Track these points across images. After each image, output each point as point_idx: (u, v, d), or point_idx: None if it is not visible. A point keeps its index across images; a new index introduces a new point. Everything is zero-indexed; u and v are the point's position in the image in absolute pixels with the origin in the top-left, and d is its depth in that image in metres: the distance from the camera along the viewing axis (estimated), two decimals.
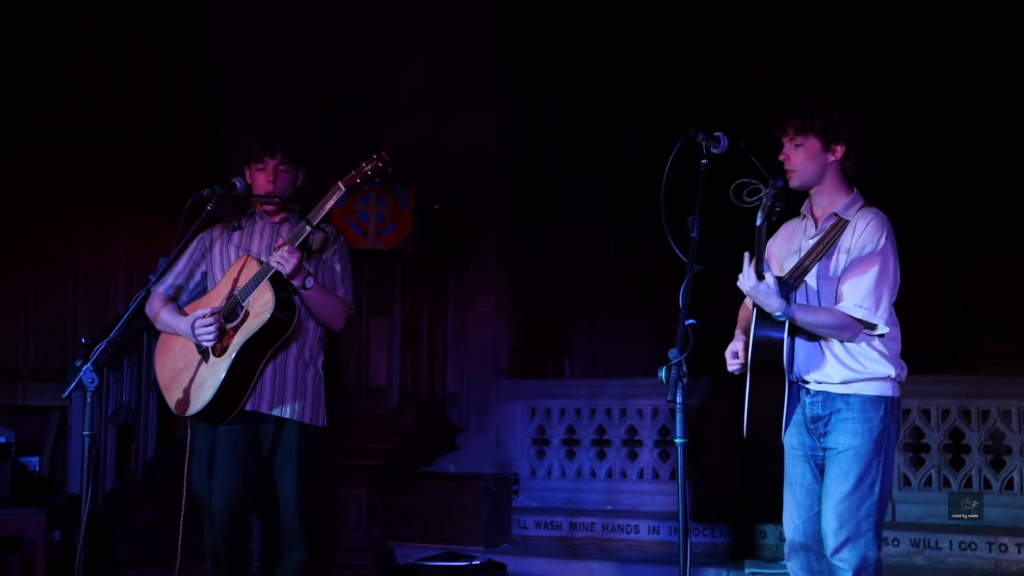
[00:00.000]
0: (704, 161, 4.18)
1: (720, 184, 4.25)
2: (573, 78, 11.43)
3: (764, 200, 4.20)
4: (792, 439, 4.62)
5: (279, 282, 4.89)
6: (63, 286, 11.13)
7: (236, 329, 4.91)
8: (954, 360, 11.90)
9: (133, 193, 10.85)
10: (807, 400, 4.54)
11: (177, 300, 5.21)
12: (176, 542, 5.12)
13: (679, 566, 3.87)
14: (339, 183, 4.92)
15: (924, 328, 11.79)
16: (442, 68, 9.55)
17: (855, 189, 4.61)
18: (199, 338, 4.92)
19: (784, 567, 4.73)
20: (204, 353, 4.97)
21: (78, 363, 4.43)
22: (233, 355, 4.88)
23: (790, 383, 4.40)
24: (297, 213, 5.27)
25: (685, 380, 3.83)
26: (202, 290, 5.26)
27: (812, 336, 4.48)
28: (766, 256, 4.42)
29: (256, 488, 5.16)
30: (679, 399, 3.82)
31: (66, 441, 8.73)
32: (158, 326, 5.21)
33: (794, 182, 4.52)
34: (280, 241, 4.95)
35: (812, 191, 4.62)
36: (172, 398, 5.02)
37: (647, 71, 11.33)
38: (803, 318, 4.32)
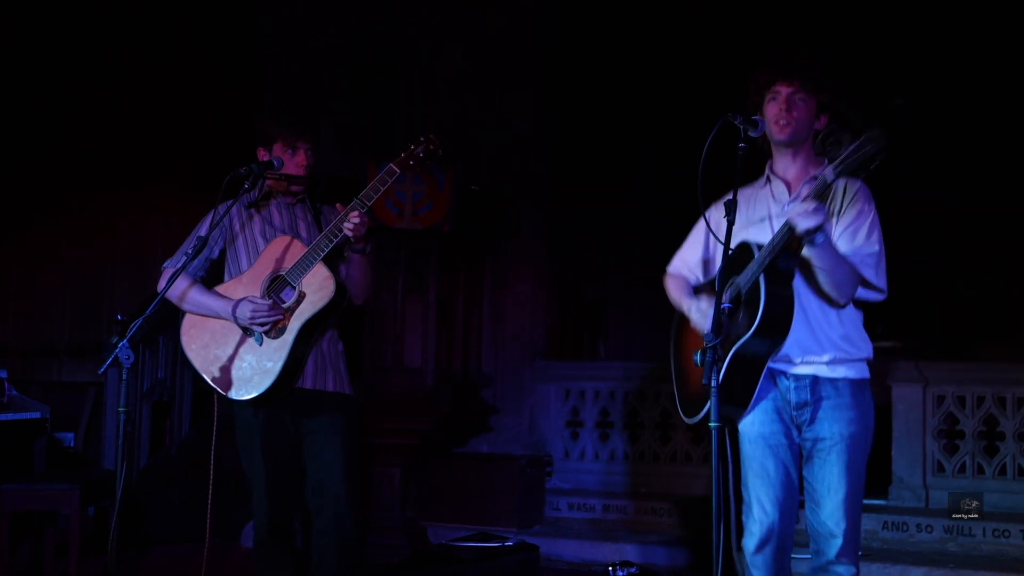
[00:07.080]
0: (741, 144, 4.08)
1: (758, 169, 4.21)
2: (614, 58, 11.36)
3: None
4: (755, 427, 4.34)
5: (330, 262, 4.89)
6: (100, 264, 11.24)
7: (291, 311, 4.90)
8: (991, 344, 11.75)
9: (170, 174, 10.92)
10: (790, 385, 4.27)
11: (196, 277, 5.11)
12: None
13: (712, 549, 3.85)
14: (392, 165, 4.89)
15: (958, 309, 11.64)
16: (482, 46, 9.50)
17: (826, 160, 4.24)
18: (255, 324, 4.85)
19: (807, 552, 4.47)
20: (251, 334, 4.91)
21: (114, 340, 4.40)
22: (293, 337, 4.86)
23: (768, 368, 4.18)
24: (307, 194, 5.24)
25: (720, 363, 3.80)
26: (214, 263, 5.19)
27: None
28: (712, 227, 4.29)
29: (302, 464, 5.13)
30: (714, 382, 3.76)
31: (101, 417, 8.82)
32: (186, 307, 5.05)
33: (783, 134, 4.24)
34: (341, 213, 4.86)
35: (785, 153, 4.35)
36: (219, 382, 4.91)
37: (691, 51, 11.24)
38: (829, 254, 4.02)
